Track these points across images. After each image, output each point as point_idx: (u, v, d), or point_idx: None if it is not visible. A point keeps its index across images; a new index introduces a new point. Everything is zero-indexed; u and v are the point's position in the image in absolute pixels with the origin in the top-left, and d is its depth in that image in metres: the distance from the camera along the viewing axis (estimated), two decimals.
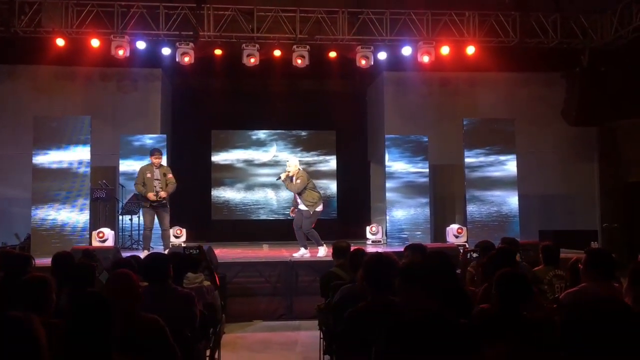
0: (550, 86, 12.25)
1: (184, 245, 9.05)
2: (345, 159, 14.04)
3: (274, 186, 13.31)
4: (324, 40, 10.94)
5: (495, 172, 11.01)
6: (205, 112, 13.43)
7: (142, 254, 6.37)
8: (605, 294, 3.60)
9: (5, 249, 8.68)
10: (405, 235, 11.15)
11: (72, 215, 9.99)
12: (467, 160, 10.99)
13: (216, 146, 14.01)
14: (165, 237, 9.32)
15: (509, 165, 11.00)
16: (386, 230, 11.55)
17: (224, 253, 9.51)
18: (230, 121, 13.83)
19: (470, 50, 11.03)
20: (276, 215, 13.72)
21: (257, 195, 13.96)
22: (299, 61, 10.84)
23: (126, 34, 10.43)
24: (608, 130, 12.33)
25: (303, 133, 14.29)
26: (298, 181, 8.82)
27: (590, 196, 12.63)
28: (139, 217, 10.20)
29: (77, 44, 10.58)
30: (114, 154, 11.23)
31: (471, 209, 10.92)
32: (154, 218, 9.18)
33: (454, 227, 10.87)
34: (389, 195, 11.38)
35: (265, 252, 10.21)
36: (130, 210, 10.47)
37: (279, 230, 11.72)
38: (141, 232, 9.80)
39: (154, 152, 9.27)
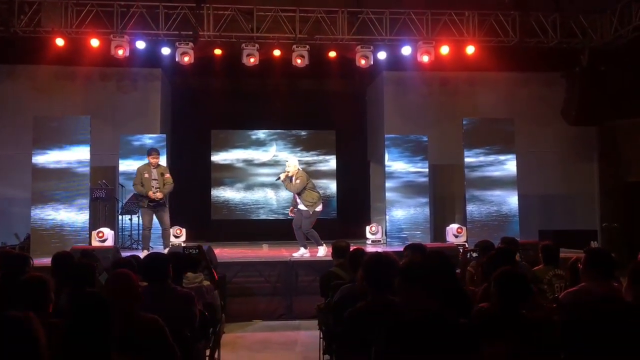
0: (550, 86, 12.25)
1: (184, 245, 9.07)
2: (345, 158, 14.03)
3: (274, 186, 13.30)
4: (323, 40, 10.94)
5: (495, 172, 11.01)
6: (205, 111, 13.43)
7: (142, 254, 6.37)
8: (604, 293, 3.60)
9: (4, 248, 8.67)
10: (405, 235, 11.15)
11: (71, 215, 9.99)
12: (466, 160, 10.99)
13: (216, 146, 14.01)
14: (165, 236, 9.32)
15: (509, 165, 11.00)
16: (386, 230, 11.55)
17: (224, 253, 9.51)
18: (230, 121, 13.82)
19: (470, 50, 11.03)
20: (276, 215, 13.71)
21: (257, 195, 13.96)
22: (299, 61, 10.84)
23: (126, 33, 10.43)
24: (608, 130, 12.33)
25: (303, 133, 14.29)
26: (297, 181, 8.81)
27: (590, 196, 12.63)
28: (138, 216, 10.20)
29: (77, 43, 10.58)
30: (114, 153, 11.23)
31: (471, 208, 10.92)
32: (152, 218, 9.19)
33: (453, 227, 10.88)
34: (388, 195, 11.38)
35: (264, 252, 10.21)
36: (129, 210, 10.47)
37: (279, 230, 11.71)
38: (141, 231, 9.79)
39: (151, 152, 9.27)
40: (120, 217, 10.90)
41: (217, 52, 11.12)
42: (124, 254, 7.54)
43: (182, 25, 10.58)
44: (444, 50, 11.03)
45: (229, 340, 6.55)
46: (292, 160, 9.09)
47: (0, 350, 2.23)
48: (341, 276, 5.09)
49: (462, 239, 10.52)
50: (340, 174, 14.05)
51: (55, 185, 10.01)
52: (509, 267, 3.48)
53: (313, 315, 6.21)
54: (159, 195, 9.00)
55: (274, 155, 14.01)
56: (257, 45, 10.77)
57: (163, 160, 10.60)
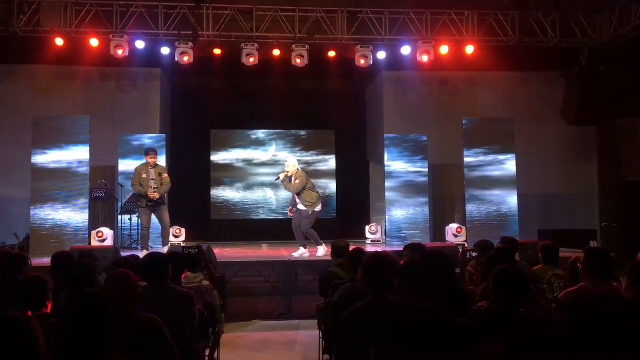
0: (550, 85, 12.24)
1: (183, 244, 9.06)
2: (345, 158, 14.03)
3: (274, 186, 13.30)
4: (323, 39, 10.94)
5: (494, 172, 11.01)
6: (205, 111, 13.42)
7: (141, 254, 6.37)
8: (604, 293, 3.60)
9: (3, 248, 8.67)
10: (405, 235, 11.15)
11: (71, 215, 9.98)
12: (466, 159, 10.99)
13: (215, 146, 14.01)
14: (165, 235, 9.33)
15: (508, 165, 11.00)
16: (385, 229, 11.55)
17: (224, 253, 9.51)
18: (230, 121, 13.82)
19: (470, 49, 11.03)
20: (275, 215, 13.71)
21: (257, 195, 13.96)
22: (298, 61, 10.83)
23: (125, 33, 10.42)
24: (607, 130, 12.33)
25: (302, 132, 14.29)
26: (297, 181, 8.81)
27: (590, 195, 12.63)
28: (138, 216, 10.20)
29: (76, 43, 10.57)
30: (113, 153, 11.24)
31: (470, 208, 10.92)
32: (150, 218, 9.19)
33: (453, 227, 10.88)
34: (388, 194, 11.38)
35: (264, 252, 10.21)
36: (129, 210, 10.47)
37: (279, 229, 11.72)
38: (140, 231, 9.78)
39: (149, 151, 9.27)
40: (119, 217, 10.89)
41: (217, 51, 11.11)
42: (124, 253, 7.54)
43: (182, 25, 10.58)
44: (444, 50, 11.03)
45: (228, 340, 6.55)
46: (292, 161, 9.08)
47: (0, 349, 2.23)
48: (341, 276, 5.09)
49: (461, 239, 10.52)
50: (339, 174, 14.05)
51: (55, 185, 10.01)
52: (507, 265, 3.48)
53: (313, 315, 6.21)
54: (156, 195, 9.00)
55: (273, 155, 14.01)
56: (256, 45, 10.77)
57: (163, 160, 10.62)
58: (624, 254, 9.22)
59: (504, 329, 3.00)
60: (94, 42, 10.44)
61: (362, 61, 10.99)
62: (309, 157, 14.03)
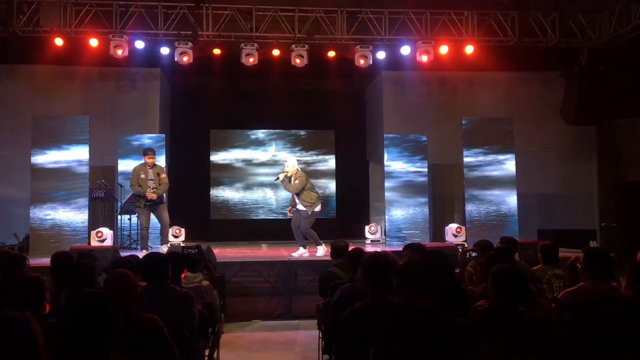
0: (549, 85, 12.25)
1: (183, 244, 9.06)
2: (344, 158, 14.04)
3: (273, 186, 13.29)
4: (322, 39, 10.94)
5: (494, 172, 11.01)
6: (204, 111, 13.42)
7: (141, 254, 6.37)
8: (603, 293, 3.60)
9: (3, 248, 8.67)
10: (404, 235, 11.15)
11: (70, 215, 9.98)
12: (465, 159, 10.99)
13: (215, 146, 14.01)
14: (164, 233, 9.34)
15: (508, 165, 11.01)
16: (385, 229, 11.55)
17: (223, 252, 9.51)
18: (229, 121, 13.82)
19: (469, 49, 11.03)
20: (275, 215, 13.71)
21: (256, 195, 13.96)
22: (298, 61, 10.84)
23: (125, 33, 10.42)
24: (607, 130, 12.34)
25: (302, 132, 14.29)
26: (296, 182, 8.81)
27: (589, 195, 12.63)
28: (137, 216, 10.20)
29: (76, 43, 10.57)
30: (113, 153, 11.23)
31: (470, 208, 10.92)
32: (149, 217, 9.20)
33: (452, 227, 10.87)
34: (387, 194, 11.38)
35: (264, 252, 10.21)
36: (129, 210, 10.47)
37: (278, 229, 11.72)
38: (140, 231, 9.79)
39: (147, 151, 9.26)
40: (119, 216, 10.89)
41: (216, 51, 11.10)
42: (123, 253, 7.53)
43: (181, 25, 10.58)
44: (443, 49, 11.03)
45: (228, 340, 6.55)
46: (291, 161, 9.07)
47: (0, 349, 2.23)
48: (340, 276, 5.09)
49: (461, 239, 10.52)
50: (339, 174, 14.05)
51: (54, 185, 10.01)
52: (506, 264, 3.48)
53: (312, 315, 6.22)
54: (154, 195, 8.99)
55: (273, 155, 14.01)
56: (256, 45, 10.77)
57: (162, 160, 10.62)
58: (624, 254, 9.22)
59: (504, 328, 3.00)
60: (94, 42, 10.44)
61: (362, 61, 10.99)
62: (308, 157, 14.03)
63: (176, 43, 10.66)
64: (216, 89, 13.13)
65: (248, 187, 13.99)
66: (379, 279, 3.27)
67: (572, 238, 10.08)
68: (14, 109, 11.54)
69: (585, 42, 11.15)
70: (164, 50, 10.86)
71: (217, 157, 14.00)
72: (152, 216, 9.29)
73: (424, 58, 10.93)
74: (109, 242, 9.75)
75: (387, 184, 11.40)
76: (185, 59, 10.66)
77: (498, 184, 10.98)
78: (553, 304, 3.88)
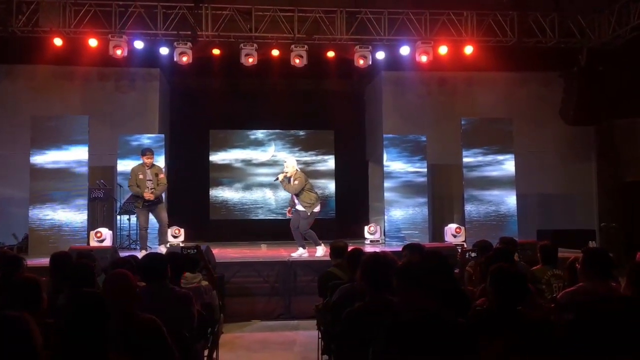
0: (548, 86, 12.26)
1: (182, 245, 9.06)
2: (344, 158, 14.04)
3: (273, 186, 13.29)
4: (322, 40, 10.94)
5: (493, 172, 11.01)
6: (204, 111, 13.41)
7: (140, 254, 6.36)
8: (602, 293, 3.60)
9: (2, 249, 8.67)
10: (403, 235, 11.15)
11: (70, 215, 9.97)
12: (465, 159, 10.98)
13: (214, 146, 14.01)
14: (162, 233, 9.33)
15: (507, 165, 11.00)
16: (384, 229, 11.55)
17: (222, 253, 9.51)
18: (229, 121, 13.82)
19: (469, 49, 11.03)
20: (274, 215, 13.71)
21: (256, 195, 13.96)
22: (297, 61, 10.83)
23: (124, 33, 10.42)
24: (606, 130, 12.34)
25: (301, 133, 14.29)
26: (296, 182, 8.80)
27: (589, 195, 12.64)
28: (136, 216, 10.20)
29: (75, 43, 10.57)
30: (112, 153, 11.22)
31: (469, 208, 10.92)
32: (148, 218, 9.19)
33: (452, 227, 10.87)
34: (387, 194, 11.38)
35: (263, 252, 10.21)
36: (128, 210, 10.46)
37: (278, 230, 11.72)
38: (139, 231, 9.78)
39: (145, 152, 9.26)
40: (118, 217, 10.88)
41: (216, 52, 11.10)
42: (122, 254, 7.53)
43: (181, 25, 10.58)
44: (443, 50, 11.03)
45: (227, 341, 6.55)
46: (291, 161, 9.06)
47: None
48: (339, 276, 5.09)
49: (460, 239, 10.52)
50: (338, 174, 14.05)
51: (54, 185, 10.00)
52: (504, 263, 3.48)
53: (311, 315, 6.22)
54: (151, 196, 8.98)
55: (272, 155, 14.01)
56: (255, 45, 10.77)
57: (162, 160, 10.62)
58: (623, 254, 9.24)
59: (503, 328, 3.00)
60: (93, 42, 10.43)
61: (361, 61, 10.99)
62: (308, 157, 14.03)
63: (175, 43, 10.65)
64: (215, 89, 13.12)
65: (247, 187, 13.99)
66: (378, 279, 3.27)
67: (572, 238, 10.09)
68: (13, 109, 11.54)
69: (585, 42, 11.16)
70: (163, 51, 10.85)
71: (217, 157, 13.99)
72: (151, 216, 9.28)
73: (424, 58, 10.93)
74: (108, 243, 9.74)
75: (387, 184, 11.40)
76: (184, 59, 10.66)
77: (497, 184, 10.97)
78: (552, 304, 3.88)
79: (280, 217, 13.00)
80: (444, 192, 12.44)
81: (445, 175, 12.28)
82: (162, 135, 11.48)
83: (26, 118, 10.52)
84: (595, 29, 11.10)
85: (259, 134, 14.16)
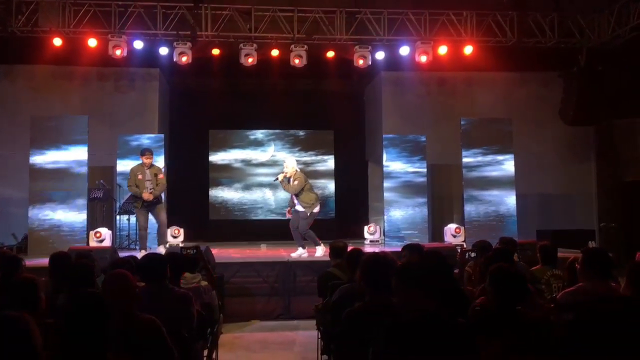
0: (548, 86, 12.26)
1: (182, 245, 9.06)
2: (343, 158, 14.04)
3: (272, 186, 13.30)
4: (321, 40, 10.94)
5: (493, 172, 11.01)
6: (203, 111, 13.42)
7: (139, 255, 6.36)
8: (602, 293, 3.60)
9: (1, 249, 8.66)
10: (403, 235, 11.15)
11: (69, 216, 9.98)
12: (464, 159, 10.98)
13: (214, 146, 14.01)
14: (160, 234, 9.31)
15: (507, 165, 11.00)
16: (384, 230, 11.55)
17: (222, 253, 9.50)
18: (228, 121, 13.82)
19: (468, 50, 11.03)
20: (274, 215, 13.71)
21: (255, 195, 13.96)
22: (297, 61, 10.83)
23: (124, 33, 10.41)
24: (606, 130, 12.34)
25: (301, 133, 14.29)
26: (295, 182, 8.80)
27: (588, 196, 12.65)
28: (136, 217, 10.19)
29: (75, 43, 10.56)
30: (112, 153, 11.21)
31: (469, 208, 10.92)
32: (147, 218, 9.19)
33: (451, 227, 10.87)
34: (386, 195, 11.38)
35: (263, 252, 10.21)
36: (127, 210, 10.45)
37: (277, 230, 11.71)
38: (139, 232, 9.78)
39: (144, 152, 9.25)
40: (118, 217, 10.88)
41: (215, 52, 11.09)
42: (122, 254, 7.52)
43: (180, 25, 10.57)
44: (442, 50, 11.03)
45: (227, 341, 6.55)
46: (290, 162, 9.05)
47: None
48: (338, 276, 5.08)
49: (460, 239, 10.51)
50: (338, 174, 14.06)
51: (53, 185, 10.00)
52: (504, 263, 3.48)
53: (311, 316, 6.21)
54: (150, 196, 8.97)
55: (272, 155, 14.01)
56: (255, 45, 10.76)
57: (161, 160, 10.62)
58: (622, 254, 9.24)
59: (502, 328, 3.00)
60: (92, 42, 10.42)
61: (361, 61, 10.98)
62: (307, 157, 14.03)
63: (175, 43, 10.64)
64: (215, 89, 13.12)
65: (247, 187, 13.99)
66: (377, 279, 3.26)
67: (571, 238, 10.09)
68: (12, 109, 11.53)
69: (584, 42, 11.16)
70: (163, 51, 10.84)
71: (216, 158, 13.99)
72: (151, 217, 9.28)
73: (423, 58, 10.93)
74: (107, 243, 9.74)
75: (386, 184, 11.40)
76: (184, 59, 10.65)
77: (497, 185, 10.97)
78: (552, 304, 3.88)
79: (279, 217, 12.99)
80: (443, 192, 12.45)
81: (445, 176, 12.28)
82: (162, 135, 11.48)
83: (26, 118, 10.52)
84: (594, 29, 11.10)
85: (259, 134, 14.16)
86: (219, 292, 6.22)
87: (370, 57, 10.99)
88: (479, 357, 2.68)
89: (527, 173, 11.69)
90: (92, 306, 2.63)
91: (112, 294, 3.16)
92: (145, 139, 11.13)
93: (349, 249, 5.24)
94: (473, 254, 5.38)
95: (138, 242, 9.78)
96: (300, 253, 8.87)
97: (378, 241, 11.74)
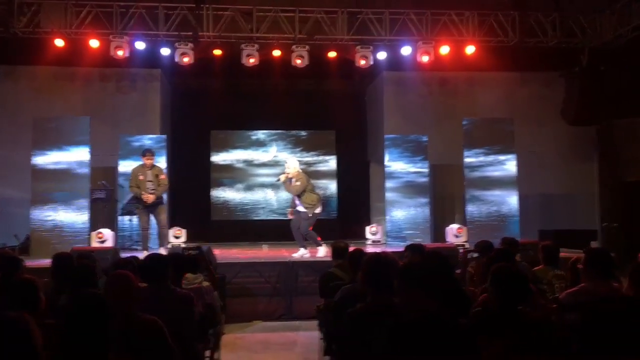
0: (550, 86, 12.25)
1: (184, 245, 9.06)
2: (345, 159, 14.04)
3: (274, 186, 13.29)
4: (323, 40, 10.94)
5: (494, 172, 10.99)
6: (205, 112, 13.42)
7: (141, 255, 6.36)
8: (604, 293, 3.60)
9: (3, 249, 8.67)
10: (405, 235, 11.14)
11: (71, 216, 9.98)
12: (466, 160, 10.98)
13: (215, 146, 14.01)
14: (161, 236, 9.30)
15: (509, 165, 10.99)
16: (386, 230, 11.55)
17: (224, 253, 9.49)
18: (230, 121, 13.82)
19: (470, 49, 11.03)
20: (276, 216, 13.70)
21: (257, 196, 13.96)
22: (298, 61, 10.83)
23: (125, 34, 10.42)
24: (607, 130, 12.32)
25: (303, 133, 14.28)
26: (297, 183, 8.79)
27: (590, 196, 12.62)
28: (138, 217, 10.20)
29: (76, 44, 10.57)
30: (113, 154, 11.21)
31: (471, 208, 10.91)
32: (149, 218, 9.19)
33: (453, 227, 10.86)
34: (388, 195, 11.38)
35: (264, 253, 10.20)
36: (129, 211, 10.45)
37: (279, 230, 11.68)
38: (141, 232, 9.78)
39: (145, 152, 9.25)
40: (119, 217, 10.88)
41: (217, 52, 11.10)
42: (124, 254, 7.53)
43: (182, 26, 10.58)
44: (444, 50, 11.03)
45: (228, 341, 6.54)
46: (292, 162, 9.04)
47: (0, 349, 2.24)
48: (340, 277, 5.08)
49: (462, 239, 10.51)
50: (340, 174, 14.05)
51: (55, 186, 10.01)
52: (506, 263, 3.48)
53: (313, 316, 6.20)
54: (149, 197, 8.97)
55: (274, 156, 14.01)
56: (256, 46, 10.76)
57: (163, 161, 10.62)
58: (624, 254, 9.20)
59: (504, 328, 2.99)
60: (94, 43, 10.44)
61: (362, 61, 10.98)
62: (309, 157, 14.03)
63: (177, 44, 10.66)
64: (217, 89, 13.11)
65: (249, 187, 13.99)
66: (379, 279, 3.26)
67: (573, 238, 10.07)
68: (14, 110, 11.54)
69: (586, 42, 11.15)
70: (165, 51, 10.85)
71: (218, 158, 14.00)
72: (152, 217, 9.28)
73: (425, 58, 10.93)
74: (109, 243, 9.75)
75: (388, 184, 11.39)
76: (185, 59, 10.66)
77: (499, 185, 10.96)
78: (554, 304, 3.87)
79: (281, 218, 12.98)
80: (445, 192, 12.43)
81: (447, 176, 12.26)
82: (164, 136, 11.49)
83: (28, 119, 10.53)
84: (596, 29, 11.08)
85: (260, 134, 14.16)
86: (221, 292, 6.22)
87: (371, 57, 10.99)
88: (481, 357, 2.68)
89: (529, 173, 11.67)
90: (93, 307, 2.63)
91: (114, 295, 3.16)
92: (147, 140, 11.13)
93: (351, 249, 5.24)
94: (475, 254, 5.36)
95: (140, 243, 9.78)
96: (302, 253, 8.87)
97: (380, 241, 11.73)
